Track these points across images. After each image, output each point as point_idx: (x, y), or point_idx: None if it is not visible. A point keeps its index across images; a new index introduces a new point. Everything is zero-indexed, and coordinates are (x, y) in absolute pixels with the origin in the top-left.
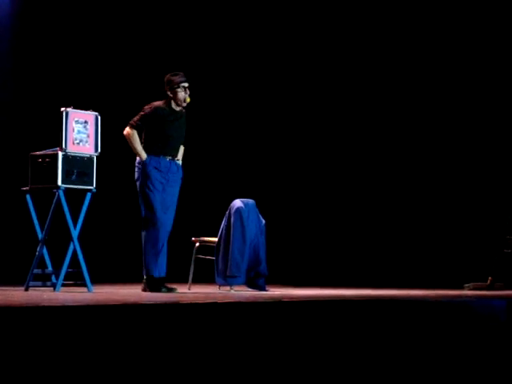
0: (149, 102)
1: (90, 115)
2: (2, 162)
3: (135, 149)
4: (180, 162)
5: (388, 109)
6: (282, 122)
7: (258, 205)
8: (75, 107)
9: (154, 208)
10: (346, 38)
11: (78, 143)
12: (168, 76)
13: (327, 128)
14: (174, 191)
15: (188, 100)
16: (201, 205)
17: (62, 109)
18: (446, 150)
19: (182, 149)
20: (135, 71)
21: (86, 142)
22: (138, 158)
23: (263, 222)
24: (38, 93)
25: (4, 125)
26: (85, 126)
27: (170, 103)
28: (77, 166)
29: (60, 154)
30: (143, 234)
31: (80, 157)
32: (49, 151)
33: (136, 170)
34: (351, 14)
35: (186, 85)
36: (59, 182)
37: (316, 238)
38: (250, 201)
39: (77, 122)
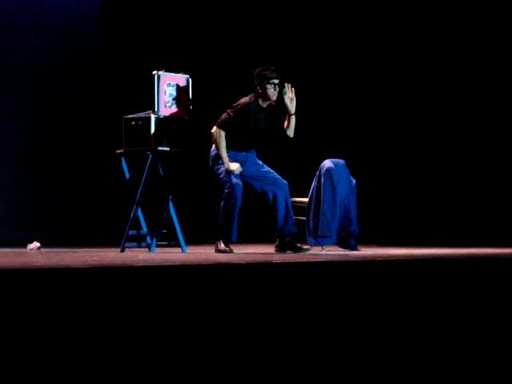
0: (238, 69)
1: (182, 78)
2: (97, 126)
3: (221, 153)
4: (291, 134)
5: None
6: (371, 82)
7: (348, 164)
8: (167, 70)
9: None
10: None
11: (170, 106)
12: (258, 70)
13: (417, 88)
14: (256, 165)
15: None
16: (291, 166)
17: (154, 72)
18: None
19: (293, 121)
20: (227, 34)
21: (178, 104)
22: (213, 148)
23: (354, 181)
24: (131, 57)
25: (98, 89)
26: (176, 89)
27: (258, 99)
28: (169, 128)
29: (153, 116)
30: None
31: (172, 119)
32: (142, 114)
33: (210, 159)
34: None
35: (276, 81)
36: (152, 145)
37: (408, 197)
38: (340, 161)
39: (168, 85)
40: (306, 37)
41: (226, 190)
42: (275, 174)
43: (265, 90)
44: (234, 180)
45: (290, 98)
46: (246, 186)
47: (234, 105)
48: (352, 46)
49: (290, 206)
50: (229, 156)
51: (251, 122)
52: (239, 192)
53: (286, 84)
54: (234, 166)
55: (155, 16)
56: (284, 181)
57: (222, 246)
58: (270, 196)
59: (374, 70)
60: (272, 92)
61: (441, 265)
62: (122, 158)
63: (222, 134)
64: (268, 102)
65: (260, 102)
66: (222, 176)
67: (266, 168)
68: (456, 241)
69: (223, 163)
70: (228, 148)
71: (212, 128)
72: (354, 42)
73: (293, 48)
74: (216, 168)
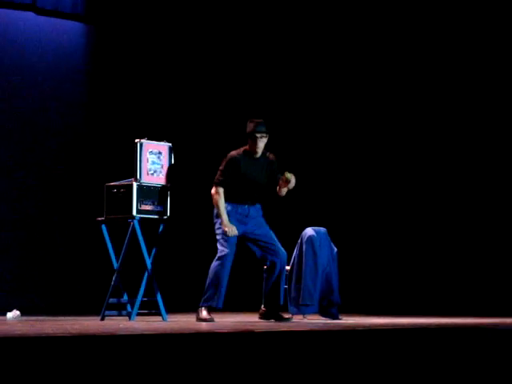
0: (220, 136)
1: (164, 146)
2: (79, 193)
3: (219, 211)
4: (283, 193)
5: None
6: (351, 150)
7: (330, 233)
8: (149, 138)
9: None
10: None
11: (152, 174)
12: (248, 122)
13: (397, 155)
14: (260, 226)
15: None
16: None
17: (137, 140)
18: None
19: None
20: (208, 103)
21: (160, 172)
22: (215, 210)
23: (335, 250)
24: (113, 125)
25: (80, 156)
26: (159, 157)
27: (248, 150)
28: (151, 196)
29: (135, 184)
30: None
31: (154, 187)
32: (124, 182)
33: (214, 220)
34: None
35: (259, 135)
36: (134, 212)
37: (389, 266)
38: (322, 229)
39: (151, 152)
40: (285, 102)
41: (218, 254)
42: (277, 242)
43: (252, 141)
44: (228, 250)
45: (285, 183)
46: (246, 247)
47: (223, 159)
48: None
49: (283, 278)
50: (231, 209)
51: (242, 172)
52: (229, 261)
53: (291, 174)
54: (230, 228)
55: (138, 84)
56: (284, 251)
57: (203, 314)
58: (268, 263)
59: (353, 136)
60: (255, 144)
61: (422, 334)
62: (103, 226)
63: (220, 190)
64: (259, 154)
65: (251, 152)
66: (219, 237)
67: (270, 234)
68: (438, 310)
69: (221, 221)
70: (229, 201)
71: (212, 189)
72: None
73: (276, 115)
74: (216, 227)
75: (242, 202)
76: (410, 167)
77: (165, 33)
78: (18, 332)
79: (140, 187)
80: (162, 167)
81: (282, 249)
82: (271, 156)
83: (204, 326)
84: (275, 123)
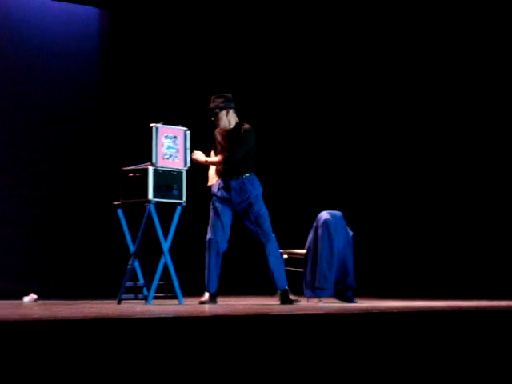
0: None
1: (179, 130)
2: (95, 177)
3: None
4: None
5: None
6: (369, 133)
7: (346, 216)
8: (165, 123)
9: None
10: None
11: (168, 158)
12: None
13: (415, 139)
14: (248, 205)
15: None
16: (288, 217)
17: (152, 124)
18: None
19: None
20: (223, 87)
21: (176, 156)
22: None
23: (351, 233)
24: (129, 109)
25: (96, 141)
26: (174, 141)
27: None
28: (167, 180)
29: (151, 168)
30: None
31: (170, 171)
32: (140, 166)
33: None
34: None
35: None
36: (150, 196)
37: (405, 249)
38: (338, 212)
39: (166, 137)
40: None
41: None
42: (264, 225)
43: None
44: (210, 235)
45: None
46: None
47: None
48: (343, 92)
49: (272, 261)
50: (218, 185)
51: (216, 145)
52: (212, 247)
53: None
54: (194, 156)
55: (154, 69)
56: (271, 235)
57: (204, 297)
58: (262, 249)
59: (369, 120)
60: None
61: (437, 317)
62: (119, 210)
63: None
64: (225, 126)
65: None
66: None
67: (259, 216)
68: (453, 293)
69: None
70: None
71: None
72: (344, 88)
73: (291, 98)
74: None
75: (223, 176)
76: (427, 150)
77: (179, 15)
78: (35, 316)
79: (156, 171)
80: (178, 151)
81: (270, 232)
82: (244, 126)
83: (220, 309)
84: (291, 106)
